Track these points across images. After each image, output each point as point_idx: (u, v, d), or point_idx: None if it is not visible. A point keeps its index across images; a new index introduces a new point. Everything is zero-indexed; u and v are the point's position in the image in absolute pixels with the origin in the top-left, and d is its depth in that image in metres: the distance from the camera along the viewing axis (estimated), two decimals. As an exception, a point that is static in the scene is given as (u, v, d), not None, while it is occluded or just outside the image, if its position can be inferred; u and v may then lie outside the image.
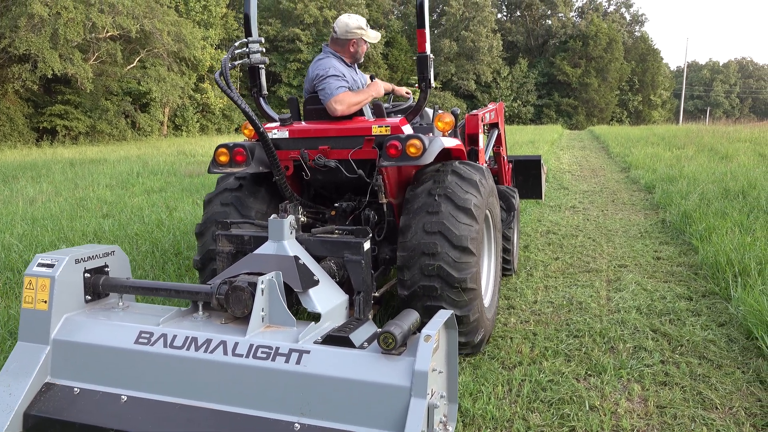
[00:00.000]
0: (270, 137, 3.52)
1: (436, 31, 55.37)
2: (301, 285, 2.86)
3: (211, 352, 2.52)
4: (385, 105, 4.49)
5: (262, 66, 3.75)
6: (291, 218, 3.14)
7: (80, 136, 30.41)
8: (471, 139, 5.02)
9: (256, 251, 3.07)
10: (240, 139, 6.70)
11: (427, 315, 3.32)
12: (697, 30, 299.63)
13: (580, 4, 65.03)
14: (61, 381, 2.68)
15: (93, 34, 28.52)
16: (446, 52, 53.53)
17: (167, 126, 37.29)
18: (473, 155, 4.93)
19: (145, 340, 2.61)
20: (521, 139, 23.49)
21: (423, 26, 3.58)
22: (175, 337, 2.59)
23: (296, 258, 2.97)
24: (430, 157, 3.39)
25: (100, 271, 2.98)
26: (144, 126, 34.04)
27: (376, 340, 2.39)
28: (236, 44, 3.25)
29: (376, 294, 3.57)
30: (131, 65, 32.74)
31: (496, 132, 6.00)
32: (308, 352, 2.44)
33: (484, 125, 5.39)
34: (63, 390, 2.65)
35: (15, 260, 5.73)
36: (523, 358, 3.72)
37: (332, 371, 2.37)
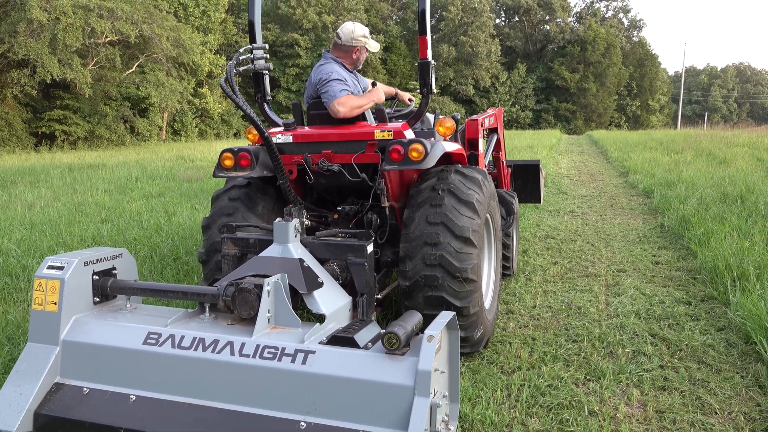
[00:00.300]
0: (274, 142, 3.58)
1: (434, 36, 55.46)
2: (306, 287, 2.92)
3: (219, 352, 2.57)
4: (388, 110, 4.55)
5: (266, 72, 3.81)
6: (295, 222, 3.19)
7: (79, 141, 30.35)
8: (471, 144, 5.08)
9: (262, 254, 3.11)
10: (240, 143, 6.75)
11: (427, 306, 3.38)
12: (695, 35, 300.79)
13: (578, 10, 65.48)
14: (71, 381, 2.72)
15: (92, 40, 28.48)
16: (445, 57, 53.68)
17: (166, 131, 37.27)
18: (473, 160, 5.00)
19: (154, 341, 2.66)
20: (520, 144, 23.58)
21: (425, 33, 3.64)
22: (183, 337, 2.64)
23: (301, 260, 3.02)
24: (431, 161, 3.45)
25: (108, 273, 3.03)
26: (143, 131, 34.00)
27: (380, 341, 2.44)
28: (241, 50, 3.31)
29: (379, 296, 3.61)
30: (130, 70, 32.75)
31: (496, 137, 6.06)
32: (314, 352, 2.48)
33: (483, 130, 5.45)
34: (72, 390, 2.69)
35: (13, 265, 5.71)
36: (522, 363, 3.71)
37: (337, 371, 2.41)
